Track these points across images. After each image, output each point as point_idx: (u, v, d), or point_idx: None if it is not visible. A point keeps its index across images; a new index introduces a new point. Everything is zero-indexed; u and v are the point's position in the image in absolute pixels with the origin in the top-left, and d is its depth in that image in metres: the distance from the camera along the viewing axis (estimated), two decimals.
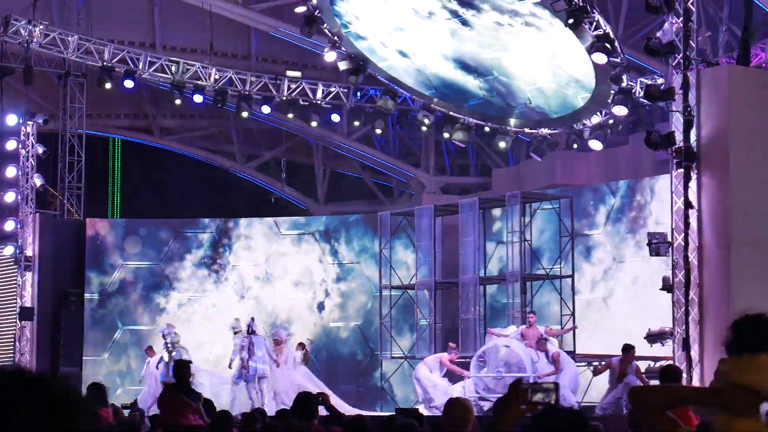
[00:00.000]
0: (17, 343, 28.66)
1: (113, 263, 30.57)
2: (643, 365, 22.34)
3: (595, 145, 27.13)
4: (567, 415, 4.06)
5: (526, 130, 28.62)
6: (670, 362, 19.90)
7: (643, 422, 3.29)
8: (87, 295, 30.06)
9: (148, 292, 30.74)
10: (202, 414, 13.11)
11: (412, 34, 27.13)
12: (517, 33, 25.77)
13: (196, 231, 31.19)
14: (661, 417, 3.29)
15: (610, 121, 26.49)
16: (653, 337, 22.15)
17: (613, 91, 25.10)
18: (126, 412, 18.48)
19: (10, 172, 29.07)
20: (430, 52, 27.52)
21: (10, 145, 29.06)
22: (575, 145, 28.08)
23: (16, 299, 28.92)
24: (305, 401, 9.44)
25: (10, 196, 29.00)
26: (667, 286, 21.18)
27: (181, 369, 13.75)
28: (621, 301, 26.60)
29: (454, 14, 25.93)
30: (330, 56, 28.00)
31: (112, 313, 30.46)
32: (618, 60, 23.87)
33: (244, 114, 30.40)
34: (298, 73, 30.49)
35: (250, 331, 25.74)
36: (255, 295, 30.70)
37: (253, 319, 26.50)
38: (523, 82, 27.22)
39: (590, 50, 23.54)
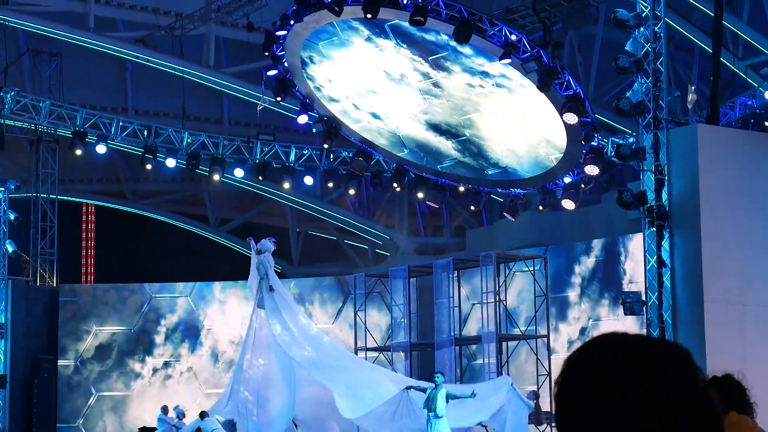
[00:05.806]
0: None
1: (87, 329, 30.35)
2: None
3: (568, 204, 27.13)
4: None
5: (499, 190, 28.66)
6: None
7: None
8: (61, 362, 29.80)
9: (122, 357, 30.50)
10: None
11: (384, 96, 27.17)
12: (488, 94, 25.85)
13: (170, 295, 31.04)
14: None
15: (584, 181, 26.54)
16: None
17: (584, 151, 25.19)
18: None
19: None
20: (403, 113, 27.56)
21: None
22: (540, 207, 28.01)
23: None
24: None
25: None
26: None
27: None
28: None
29: (426, 76, 26.01)
30: (302, 119, 28.03)
31: (87, 379, 30.19)
32: (589, 120, 23.98)
33: (216, 177, 30.27)
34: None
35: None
36: (230, 359, 30.51)
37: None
38: (494, 143, 27.28)
39: (561, 110, 23.65)
